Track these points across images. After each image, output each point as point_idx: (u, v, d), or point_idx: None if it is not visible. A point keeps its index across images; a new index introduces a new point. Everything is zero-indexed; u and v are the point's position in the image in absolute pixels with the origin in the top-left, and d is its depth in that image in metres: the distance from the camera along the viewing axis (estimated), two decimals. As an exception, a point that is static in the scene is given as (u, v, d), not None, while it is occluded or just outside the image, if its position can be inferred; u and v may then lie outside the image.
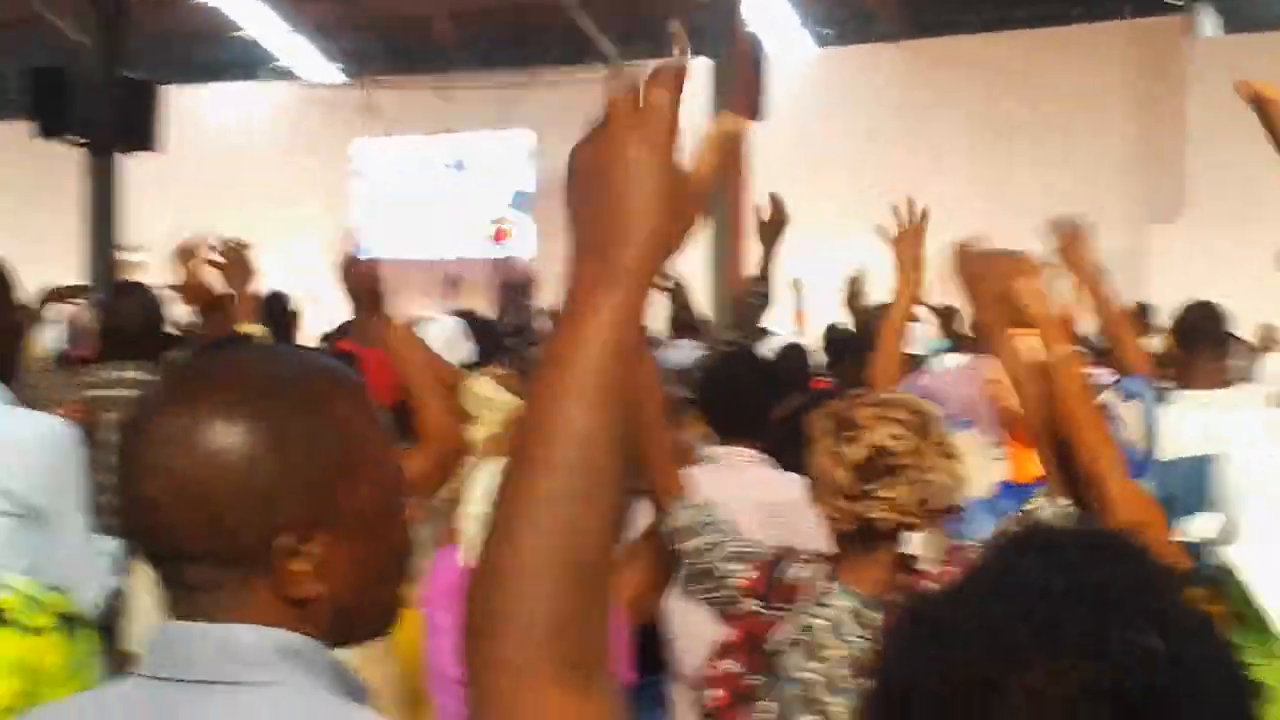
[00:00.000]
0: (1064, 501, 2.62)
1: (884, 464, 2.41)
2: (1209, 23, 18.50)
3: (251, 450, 1.27)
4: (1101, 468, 2.47)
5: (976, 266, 2.87)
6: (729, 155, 1.11)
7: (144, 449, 1.29)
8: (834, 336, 7.90)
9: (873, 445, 2.42)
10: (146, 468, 1.29)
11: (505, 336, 5.41)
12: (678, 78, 1.17)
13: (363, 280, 3.56)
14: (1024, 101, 18.48)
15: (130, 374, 4.87)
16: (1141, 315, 8.41)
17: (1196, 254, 15.52)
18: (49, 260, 12.69)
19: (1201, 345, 5.01)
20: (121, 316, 5.09)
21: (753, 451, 3.96)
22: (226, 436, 1.27)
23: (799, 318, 9.70)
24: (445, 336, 5.83)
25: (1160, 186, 17.71)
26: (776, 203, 5.37)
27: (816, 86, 19.43)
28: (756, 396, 4.11)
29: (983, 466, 3.65)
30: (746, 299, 5.59)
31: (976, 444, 3.72)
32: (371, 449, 1.35)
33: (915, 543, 2.53)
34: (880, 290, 5.61)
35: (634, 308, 1.11)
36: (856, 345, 6.09)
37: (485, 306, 9.85)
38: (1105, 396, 3.84)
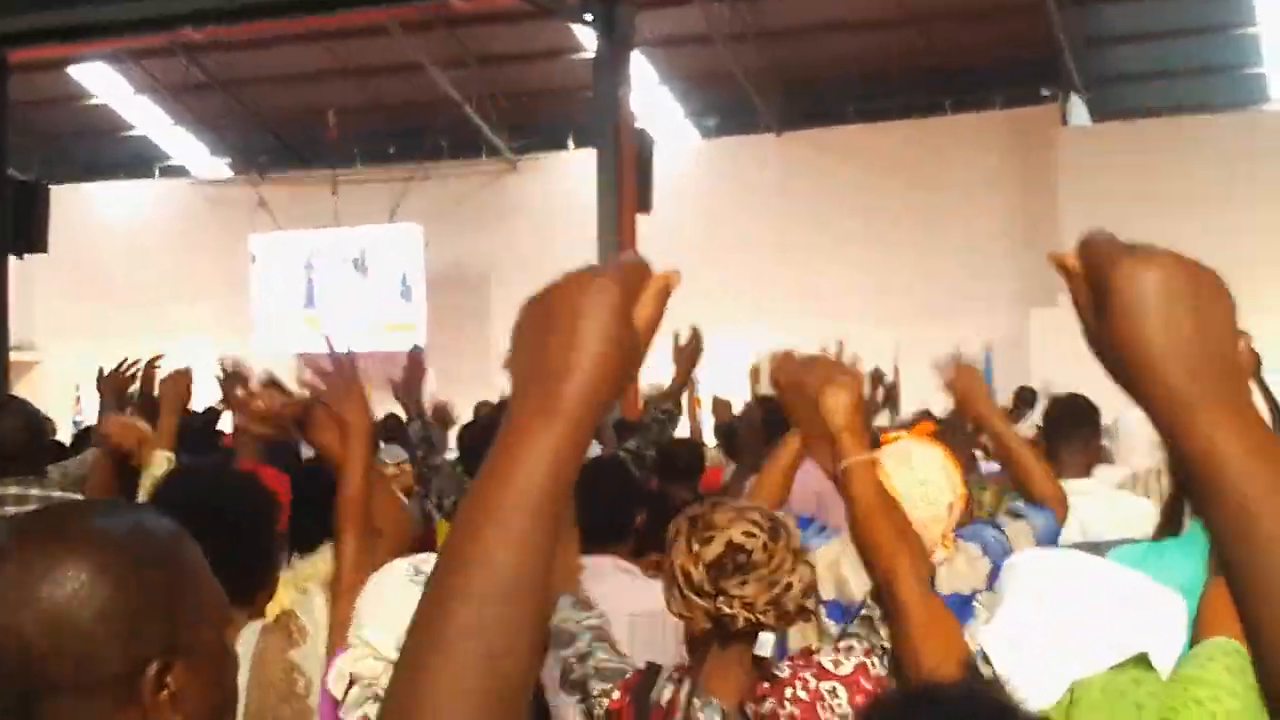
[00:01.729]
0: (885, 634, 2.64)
1: (737, 562, 2.48)
2: (1078, 112, 19.09)
3: (114, 585, 1.35)
4: (894, 571, 2.50)
5: (794, 375, 2.92)
6: (662, 308, 1.08)
7: (4, 585, 1.35)
8: (726, 427, 8.02)
9: (727, 543, 2.49)
10: (6, 599, 1.34)
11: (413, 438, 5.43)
12: (634, 270, 1.15)
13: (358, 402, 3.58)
14: (904, 190, 18.87)
15: (12, 490, 4.80)
16: (1025, 399, 8.55)
17: (1076, 336, 15.86)
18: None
19: (1069, 435, 5.10)
20: (3, 432, 5.07)
21: (615, 559, 3.97)
22: (95, 568, 1.36)
23: (695, 405, 9.77)
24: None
25: (1038, 271, 18.12)
26: (695, 333, 5.53)
27: (701, 176, 19.73)
28: (618, 504, 4.16)
29: (859, 569, 3.72)
30: (655, 416, 5.70)
31: (849, 547, 3.80)
32: (211, 595, 1.47)
33: (768, 644, 2.56)
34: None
35: (573, 443, 1.07)
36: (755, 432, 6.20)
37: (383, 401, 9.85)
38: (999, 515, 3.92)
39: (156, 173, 22.62)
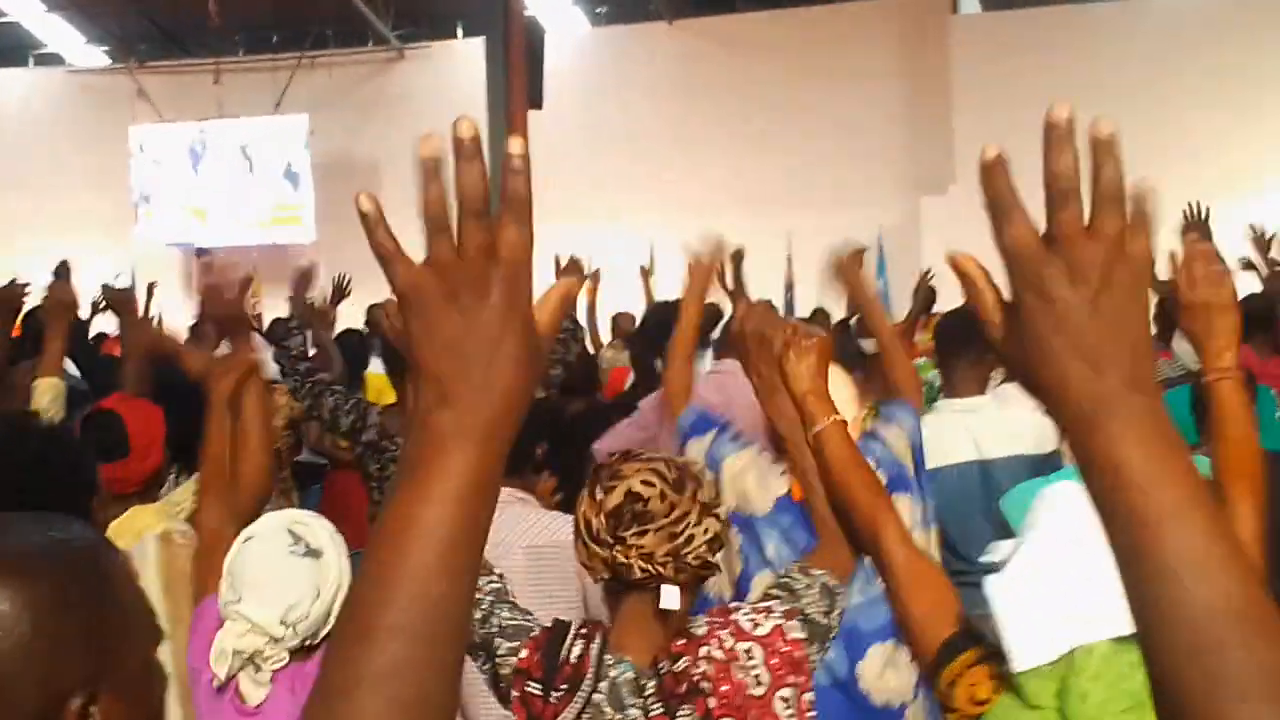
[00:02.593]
0: (819, 573, 2.66)
1: (635, 511, 2.45)
2: (969, 1, 19.12)
3: (34, 613, 1.25)
4: (877, 529, 2.49)
5: (759, 327, 2.90)
6: (565, 308, 1.00)
7: None
8: (623, 327, 7.98)
9: (626, 492, 2.46)
10: None
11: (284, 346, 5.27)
12: (525, 210, 1.03)
13: (232, 309, 3.55)
14: (796, 78, 18.82)
15: None
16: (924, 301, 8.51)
17: (966, 224, 16.00)
18: None
19: (961, 352, 4.92)
20: None
21: (511, 490, 3.86)
22: (10, 595, 1.25)
23: (592, 303, 9.70)
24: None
25: (929, 160, 18.24)
26: (574, 261, 5.83)
27: (590, 66, 19.52)
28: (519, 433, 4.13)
29: (764, 483, 3.73)
30: (558, 335, 5.67)
31: (758, 460, 3.80)
32: (138, 613, 1.38)
33: (672, 597, 2.48)
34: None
35: (489, 467, 1.01)
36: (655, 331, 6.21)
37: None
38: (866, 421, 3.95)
39: (30, 61, 21.96)
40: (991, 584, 2.13)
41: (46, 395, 4.56)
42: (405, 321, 1.02)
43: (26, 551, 1.30)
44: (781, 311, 7.84)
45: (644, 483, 2.47)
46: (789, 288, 15.03)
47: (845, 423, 2.66)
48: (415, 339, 1.02)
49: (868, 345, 5.99)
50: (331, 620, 2.74)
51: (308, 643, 2.76)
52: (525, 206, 1.02)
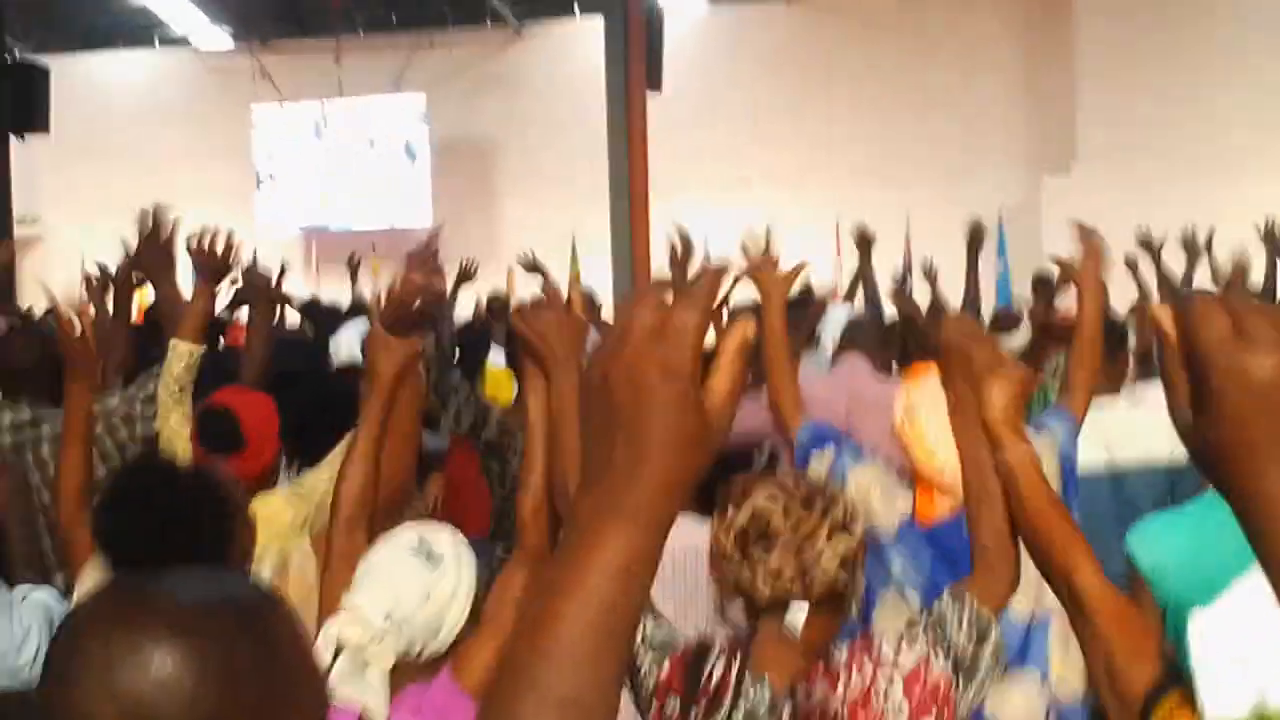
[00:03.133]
0: (971, 602, 2.54)
1: (760, 529, 2.43)
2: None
3: (206, 668, 1.22)
4: (1073, 566, 2.35)
5: (963, 345, 2.73)
6: (744, 366, 0.94)
7: (84, 668, 1.23)
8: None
9: (753, 511, 2.44)
10: (88, 688, 1.22)
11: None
12: (709, 297, 1.03)
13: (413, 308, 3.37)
14: (913, 56, 18.63)
15: (7, 418, 4.70)
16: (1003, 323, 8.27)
17: (1090, 204, 15.74)
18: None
19: None
20: (14, 353, 4.85)
21: None
22: (183, 654, 1.22)
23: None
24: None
25: (1052, 137, 17.95)
26: (684, 238, 5.80)
27: (708, 46, 19.44)
28: None
29: (890, 500, 3.65)
30: None
31: (883, 475, 3.72)
32: (304, 680, 1.33)
33: (800, 617, 2.43)
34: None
35: (645, 550, 1.01)
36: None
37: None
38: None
39: (156, 42, 22.31)
40: (1195, 623, 2.06)
41: (181, 362, 4.27)
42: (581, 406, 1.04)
43: (197, 607, 1.26)
44: (901, 290, 7.70)
45: (770, 500, 2.45)
46: (907, 267, 14.85)
47: (1036, 457, 2.50)
48: (583, 419, 1.04)
49: (1008, 342, 5.81)
50: (444, 632, 2.72)
51: (418, 651, 2.73)
52: (709, 297, 1.03)
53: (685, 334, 1.01)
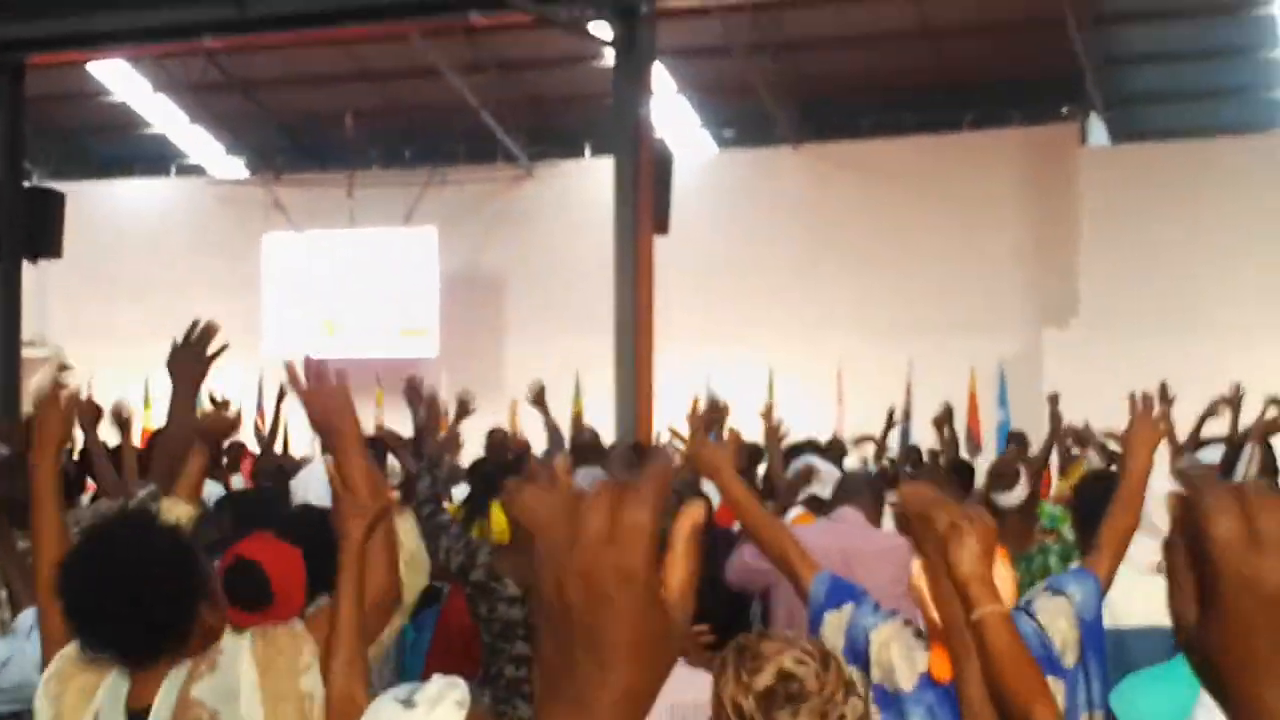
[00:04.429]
0: None
1: (789, 691, 2.44)
2: (1097, 131, 19.03)
3: None
4: (1032, 714, 2.43)
5: (924, 510, 2.80)
6: (697, 553, 1.01)
7: None
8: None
9: (778, 671, 2.45)
10: None
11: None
12: (658, 494, 0.99)
13: (336, 417, 3.26)
14: (920, 205, 18.84)
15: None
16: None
17: (1089, 358, 15.84)
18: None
19: (1099, 515, 4.69)
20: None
21: None
22: None
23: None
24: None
25: (1053, 291, 18.09)
26: (715, 405, 5.85)
27: (717, 187, 19.68)
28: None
29: (909, 657, 3.64)
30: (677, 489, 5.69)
31: (902, 632, 3.71)
32: None
33: None
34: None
35: None
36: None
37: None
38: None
39: (173, 171, 22.63)
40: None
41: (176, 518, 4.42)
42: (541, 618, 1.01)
43: None
44: (898, 440, 7.74)
45: (797, 662, 2.45)
46: (907, 416, 14.88)
47: (1007, 613, 2.57)
48: (539, 615, 1.01)
49: (1005, 499, 5.84)
50: None
51: None
52: (658, 494, 0.99)
53: (637, 535, 0.98)
